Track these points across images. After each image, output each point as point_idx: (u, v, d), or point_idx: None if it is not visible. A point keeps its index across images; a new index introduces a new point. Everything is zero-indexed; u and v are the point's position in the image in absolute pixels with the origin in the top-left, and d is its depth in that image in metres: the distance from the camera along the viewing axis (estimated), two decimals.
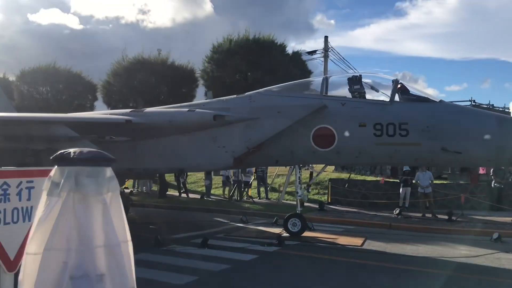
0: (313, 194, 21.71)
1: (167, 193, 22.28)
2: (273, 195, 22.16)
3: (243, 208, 18.79)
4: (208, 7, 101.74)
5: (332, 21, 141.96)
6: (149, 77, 25.91)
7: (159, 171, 14.94)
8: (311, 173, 13.17)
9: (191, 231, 13.34)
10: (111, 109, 27.06)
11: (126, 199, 15.89)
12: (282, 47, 24.43)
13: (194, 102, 12.72)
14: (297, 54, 25.21)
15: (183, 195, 22.59)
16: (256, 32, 24.12)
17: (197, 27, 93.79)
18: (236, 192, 21.09)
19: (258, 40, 23.64)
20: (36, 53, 70.89)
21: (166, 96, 26.69)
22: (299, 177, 12.60)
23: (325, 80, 12.29)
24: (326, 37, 28.93)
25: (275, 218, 14.94)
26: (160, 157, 11.75)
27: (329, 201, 20.49)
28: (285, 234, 12.38)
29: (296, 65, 23.95)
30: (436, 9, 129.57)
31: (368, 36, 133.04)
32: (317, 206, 18.53)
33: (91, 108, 31.79)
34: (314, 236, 12.59)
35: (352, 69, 30.93)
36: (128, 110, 12.04)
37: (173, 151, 11.68)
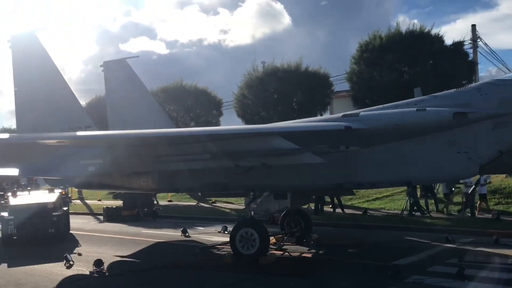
0: (494, 204, 18.66)
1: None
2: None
3: (425, 224, 16.28)
4: (286, 20, 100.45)
5: (415, 21, 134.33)
6: (284, 85, 24.40)
7: (378, 185, 12.97)
8: None
9: (403, 256, 11.11)
10: (246, 122, 25.97)
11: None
12: (440, 38, 21.66)
13: (399, 102, 10.57)
14: (459, 45, 22.23)
15: (337, 210, 20.56)
16: (410, 24, 21.69)
17: (276, 41, 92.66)
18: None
19: (413, 33, 21.15)
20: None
21: (300, 104, 25.11)
22: None
23: None
24: (473, 26, 25.65)
25: (446, 236, 12.84)
26: (380, 168, 9.78)
27: None
28: None
29: (459, 57, 21.05)
30: None
31: (455, 33, 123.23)
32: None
33: (217, 124, 31.13)
34: None
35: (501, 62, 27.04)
36: (339, 115, 10.22)
37: (398, 160, 9.65)
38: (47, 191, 16.88)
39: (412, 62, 20.05)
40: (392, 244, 13.00)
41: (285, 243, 12.63)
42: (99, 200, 31.92)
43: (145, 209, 22.52)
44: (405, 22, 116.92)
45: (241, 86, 26.07)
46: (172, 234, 16.40)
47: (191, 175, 10.59)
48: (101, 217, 22.87)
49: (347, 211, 20.63)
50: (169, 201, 28.69)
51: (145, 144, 9.76)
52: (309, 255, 11.68)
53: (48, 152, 12.16)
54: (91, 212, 26.23)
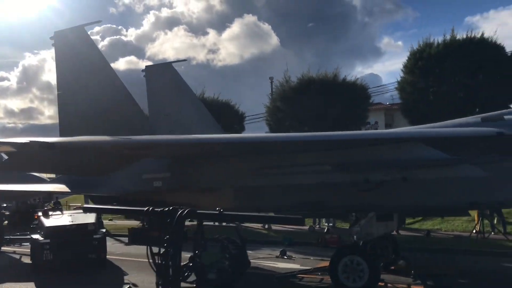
0: None
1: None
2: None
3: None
4: (274, 41, 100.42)
5: (400, 43, 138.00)
6: (319, 97, 22.83)
7: None
8: None
9: None
10: None
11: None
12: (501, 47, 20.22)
13: None
14: None
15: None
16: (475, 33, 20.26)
17: (265, 61, 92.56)
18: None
19: (471, 40, 19.70)
20: None
21: (337, 117, 23.49)
22: None
23: None
24: None
25: None
26: None
27: None
28: None
29: None
30: None
31: None
32: None
33: None
34: None
35: None
36: (476, 118, 8.56)
37: None
38: (81, 211, 14.84)
39: (474, 71, 18.56)
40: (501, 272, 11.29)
41: None
42: (110, 220, 29.68)
43: None
44: (390, 44, 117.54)
45: (274, 97, 24.43)
46: None
47: (288, 191, 8.80)
48: (122, 239, 20.78)
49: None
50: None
51: (243, 153, 7.98)
52: (421, 287, 9.90)
53: (103, 164, 10.28)
54: (107, 233, 24.06)
